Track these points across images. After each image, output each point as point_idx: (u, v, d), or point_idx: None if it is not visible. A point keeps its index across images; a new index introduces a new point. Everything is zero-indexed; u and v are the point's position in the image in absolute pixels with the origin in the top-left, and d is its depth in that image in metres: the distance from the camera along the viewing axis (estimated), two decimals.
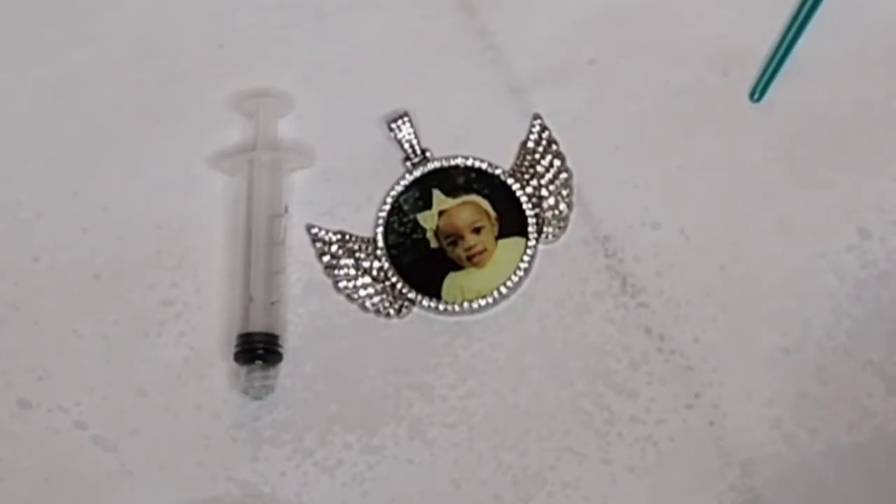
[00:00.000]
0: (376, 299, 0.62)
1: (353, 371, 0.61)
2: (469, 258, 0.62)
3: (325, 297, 0.62)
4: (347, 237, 0.63)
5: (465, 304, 0.61)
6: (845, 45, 0.64)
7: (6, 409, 0.61)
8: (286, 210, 0.63)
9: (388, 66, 0.64)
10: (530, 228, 0.62)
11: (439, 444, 0.60)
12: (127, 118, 0.64)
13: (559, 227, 0.62)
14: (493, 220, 0.62)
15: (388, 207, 0.63)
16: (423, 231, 0.62)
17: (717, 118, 0.63)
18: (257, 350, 0.60)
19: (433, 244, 0.62)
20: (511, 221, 0.62)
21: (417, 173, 0.63)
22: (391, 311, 0.62)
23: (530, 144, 0.63)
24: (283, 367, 0.61)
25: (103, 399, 0.61)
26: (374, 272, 0.62)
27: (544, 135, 0.63)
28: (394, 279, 0.62)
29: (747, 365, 0.60)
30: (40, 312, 0.62)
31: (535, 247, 0.62)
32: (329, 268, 0.62)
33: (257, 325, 0.60)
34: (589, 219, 0.62)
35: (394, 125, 0.63)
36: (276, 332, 0.60)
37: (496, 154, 0.63)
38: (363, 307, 0.62)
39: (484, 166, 0.63)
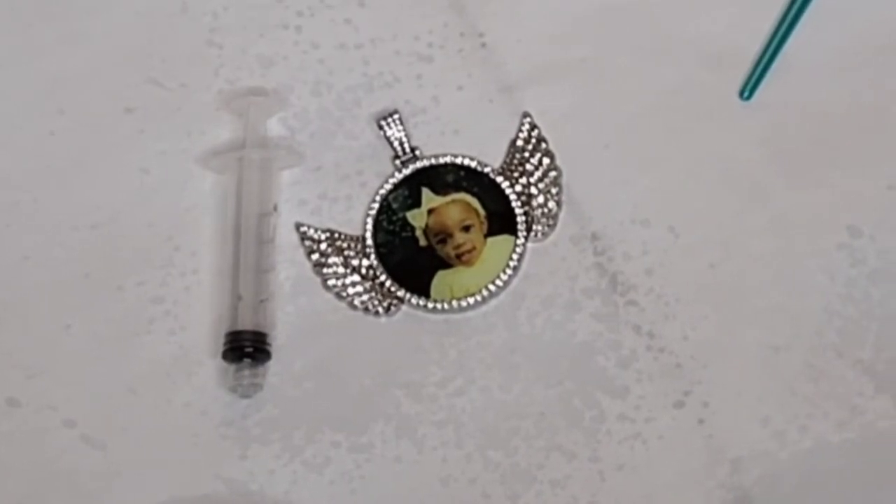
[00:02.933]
0: (365, 297, 0.62)
1: (342, 369, 0.61)
2: (458, 256, 0.62)
3: (313, 295, 0.62)
4: (336, 235, 0.62)
5: (454, 303, 0.61)
6: (835, 43, 0.63)
7: None
8: (275, 208, 0.63)
9: (378, 64, 0.64)
10: (519, 226, 0.62)
11: (428, 443, 0.60)
12: (117, 116, 0.64)
13: (548, 225, 0.62)
14: (483, 219, 0.62)
15: (377, 206, 0.63)
16: (412, 229, 0.62)
17: (706, 116, 0.63)
18: (246, 348, 0.60)
19: (422, 242, 0.62)
20: (500, 219, 0.62)
21: (407, 171, 0.63)
22: (380, 310, 0.62)
23: (519, 143, 0.63)
24: (272, 365, 0.61)
25: (92, 397, 0.61)
26: (363, 270, 0.62)
27: (534, 133, 0.63)
28: (382, 277, 0.62)
29: (737, 363, 0.60)
30: (30, 310, 0.62)
31: (524, 245, 0.62)
32: (318, 266, 0.62)
33: (246, 324, 0.60)
34: (578, 217, 0.62)
35: (383, 123, 0.63)
36: (265, 331, 0.60)
37: (485, 152, 0.63)
38: (352, 305, 0.62)
39: (473, 164, 0.63)
